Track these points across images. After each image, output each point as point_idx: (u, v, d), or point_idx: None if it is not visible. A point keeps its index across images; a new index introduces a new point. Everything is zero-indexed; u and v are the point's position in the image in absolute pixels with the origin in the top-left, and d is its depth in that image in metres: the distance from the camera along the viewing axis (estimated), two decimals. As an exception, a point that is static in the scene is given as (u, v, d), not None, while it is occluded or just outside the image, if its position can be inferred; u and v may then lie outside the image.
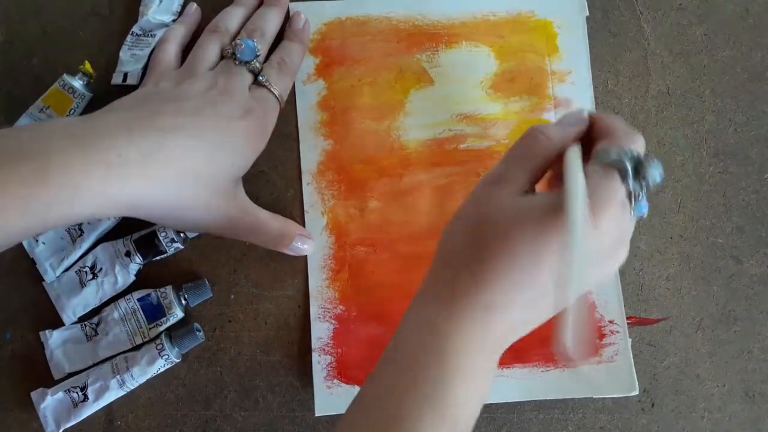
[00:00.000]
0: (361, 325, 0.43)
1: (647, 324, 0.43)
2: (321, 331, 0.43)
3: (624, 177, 0.30)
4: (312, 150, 0.45)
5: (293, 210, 0.44)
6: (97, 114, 0.37)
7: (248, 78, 0.41)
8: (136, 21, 0.45)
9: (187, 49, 0.44)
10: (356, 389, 0.42)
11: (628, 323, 0.43)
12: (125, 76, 0.44)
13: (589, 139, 0.34)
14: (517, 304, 0.30)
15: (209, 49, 0.42)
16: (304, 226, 0.44)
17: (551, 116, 0.45)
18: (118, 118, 0.35)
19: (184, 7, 0.46)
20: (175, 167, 0.35)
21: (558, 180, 0.32)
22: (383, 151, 0.45)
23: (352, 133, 0.45)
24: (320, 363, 0.43)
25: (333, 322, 0.43)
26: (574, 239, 0.28)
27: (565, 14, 0.46)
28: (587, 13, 0.46)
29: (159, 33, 0.45)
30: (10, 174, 0.31)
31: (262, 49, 0.42)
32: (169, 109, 0.37)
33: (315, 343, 0.43)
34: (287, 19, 0.45)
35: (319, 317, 0.43)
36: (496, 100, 0.45)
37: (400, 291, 0.43)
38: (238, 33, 0.43)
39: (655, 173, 0.31)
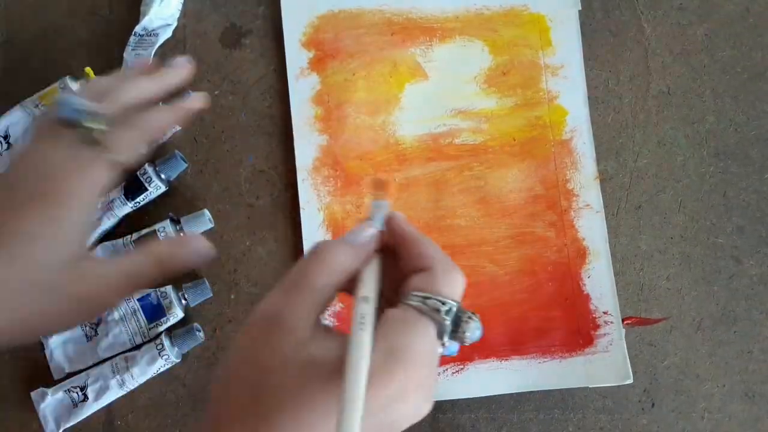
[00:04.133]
0: None
1: (647, 324, 0.43)
2: None
3: (441, 333, 0.26)
4: (307, 145, 0.44)
5: (293, 210, 0.44)
6: None
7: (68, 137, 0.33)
8: (136, 21, 0.45)
9: None
10: None
11: (628, 323, 0.43)
12: (127, 76, 0.44)
13: (393, 251, 0.29)
14: None
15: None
16: (299, 223, 0.44)
17: (545, 110, 0.45)
18: None
19: (185, 5, 0.46)
20: None
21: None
22: (378, 147, 0.45)
23: (347, 128, 0.45)
24: None
25: (331, 319, 0.43)
26: (346, 414, 0.23)
27: (557, 8, 0.46)
28: (580, 7, 0.46)
29: (162, 32, 0.45)
30: None
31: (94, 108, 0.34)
32: None
33: None
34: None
35: None
36: (491, 94, 0.45)
37: None
38: None
39: (475, 332, 0.26)
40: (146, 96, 0.36)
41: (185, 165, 0.44)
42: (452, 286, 0.27)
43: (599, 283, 0.43)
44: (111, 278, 0.33)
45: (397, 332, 0.25)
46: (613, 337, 0.43)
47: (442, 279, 0.27)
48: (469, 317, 0.26)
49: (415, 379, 0.25)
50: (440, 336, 0.26)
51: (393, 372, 0.24)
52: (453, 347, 0.27)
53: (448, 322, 0.26)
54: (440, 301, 0.26)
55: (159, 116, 0.36)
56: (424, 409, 0.26)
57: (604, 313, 0.43)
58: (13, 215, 0.31)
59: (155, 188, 0.42)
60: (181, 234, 0.43)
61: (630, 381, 0.42)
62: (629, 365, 0.42)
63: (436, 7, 0.45)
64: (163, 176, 0.43)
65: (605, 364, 0.43)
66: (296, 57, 0.45)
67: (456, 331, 0.26)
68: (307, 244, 0.44)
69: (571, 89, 0.45)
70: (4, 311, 0.30)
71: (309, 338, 0.25)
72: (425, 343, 0.25)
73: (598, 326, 0.43)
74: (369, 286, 0.26)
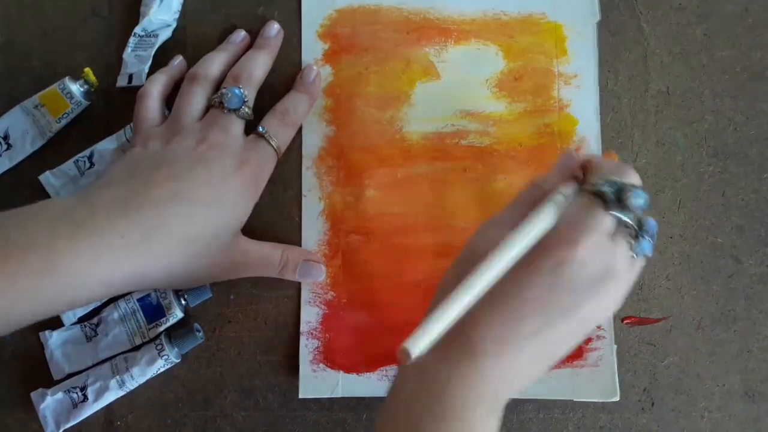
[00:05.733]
0: (350, 312, 0.43)
1: (647, 324, 0.44)
2: (310, 315, 0.43)
3: (606, 203, 0.31)
4: (314, 135, 0.45)
5: (294, 210, 0.44)
6: (92, 191, 0.37)
7: (239, 125, 0.41)
8: (136, 21, 0.45)
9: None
10: (340, 375, 0.43)
11: (627, 323, 0.43)
12: (130, 77, 0.44)
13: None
14: (507, 350, 0.30)
15: (193, 99, 0.41)
16: (300, 211, 0.44)
17: (554, 118, 0.45)
18: (114, 195, 0.36)
19: (184, 6, 0.46)
20: (175, 237, 0.36)
21: None
22: (384, 141, 0.45)
23: (355, 120, 0.45)
24: (307, 347, 0.43)
25: (322, 307, 0.43)
26: (476, 274, 0.28)
27: (576, 18, 0.45)
28: (599, 18, 0.45)
29: (162, 33, 0.45)
30: (19, 266, 0.31)
31: (249, 94, 0.41)
32: (160, 176, 0.37)
33: (303, 327, 0.43)
34: (287, 63, 0.45)
35: (309, 301, 0.43)
36: (501, 98, 0.45)
37: (391, 281, 0.43)
38: (221, 79, 0.42)
39: (637, 199, 0.31)
40: (267, 71, 0.44)
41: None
42: (618, 172, 0.32)
43: None
44: (250, 256, 0.41)
45: (571, 209, 0.31)
46: (603, 352, 0.43)
47: (611, 170, 0.32)
48: (632, 186, 0.31)
49: (585, 244, 0.30)
50: (608, 207, 0.31)
51: (562, 236, 0.30)
52: (646, 245, 0.32)
53: (608, 191, 0.31)
54: (601, 180, 0.32)
55: (301, 106, 0.43)
56: (610, 291, 0.31)
57: (597, 327, 0.43)
58: (218, 184, 0.38)
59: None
60: None
61: (617, 398, 0.42)
62: (617, 382, 0.42)
63: (454, 9, 0.46)
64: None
65: (593, 379, 0.42)
66: (312, 48, 0.45)
67: (620, 200, 0.31)
68: (306, 232, 0.44)
69: (583, 99, 0.45)
70: (192, 257, 0.37)
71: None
72: (593, 214, 0.31)
73: (589, 339, 0.43)
74: (565, 187, 0.33)
